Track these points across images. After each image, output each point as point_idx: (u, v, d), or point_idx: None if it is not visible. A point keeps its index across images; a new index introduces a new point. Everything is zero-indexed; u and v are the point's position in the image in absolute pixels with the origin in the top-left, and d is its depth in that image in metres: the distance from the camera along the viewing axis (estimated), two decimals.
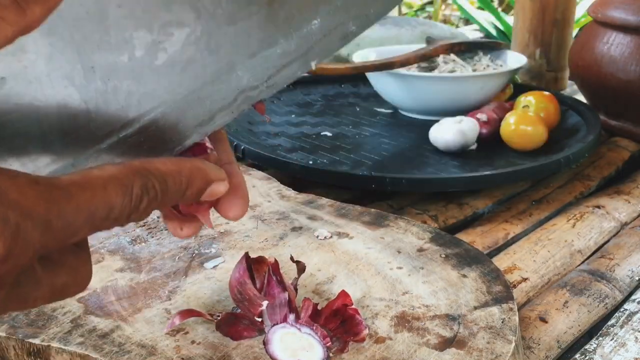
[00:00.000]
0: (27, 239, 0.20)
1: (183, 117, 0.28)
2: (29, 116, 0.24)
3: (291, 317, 0.39)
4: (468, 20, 2.71)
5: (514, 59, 1.01)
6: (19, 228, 0.20)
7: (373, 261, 0.51)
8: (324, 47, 0.30)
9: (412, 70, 0.97)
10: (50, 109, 0.25)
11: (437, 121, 0.84)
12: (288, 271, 0.47)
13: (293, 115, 0.98)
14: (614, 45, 0.90)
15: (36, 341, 0.41)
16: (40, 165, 0.25)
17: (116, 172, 0.23)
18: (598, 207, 0.72)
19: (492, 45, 1.05)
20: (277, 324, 0.39)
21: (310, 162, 0.78)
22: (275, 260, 0.42)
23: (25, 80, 0.24)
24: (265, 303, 0.40)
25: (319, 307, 0.41)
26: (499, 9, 2.59)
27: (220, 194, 0.28)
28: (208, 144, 0.31)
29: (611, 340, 0.48)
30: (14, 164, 0.25)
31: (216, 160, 0.31)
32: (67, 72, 0.24)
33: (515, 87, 1.01)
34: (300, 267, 0.45)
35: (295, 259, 0.45)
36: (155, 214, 0.53)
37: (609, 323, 0.51)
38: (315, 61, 0.30)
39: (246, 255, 0.42)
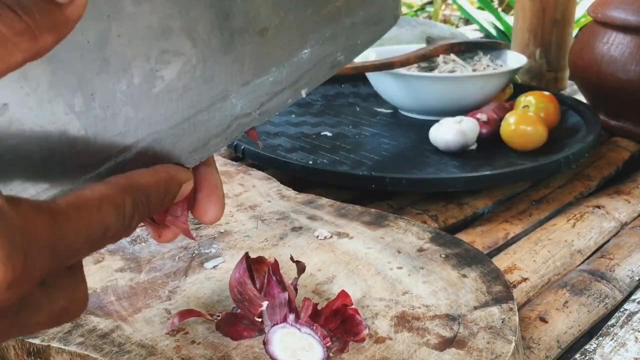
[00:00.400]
0: (35, 265, 0.21)
1: (178, 143, 0.28)
2: (30, 141, 0.25)
3: (291, 317, 0.39)
4: (468, 20, 2.71)
5: (514, 59, 1.01)
6: (27, 254, 0.20)
7: (373, 261, 0.51)
8: (313, 76, 0.31)
9: (412, 70, 0.97)
10: (51, 135, 0.25)
11: (437, 121, 0.84)
12: (288, 271, 0.47)
13: (293, 115, 0.98)
14: (614, 45, 0.90)
15: (36, 341, 0.41)
16: (40, 189, 0.26)
17: (108, 192, 0.24)
18: (598, 207, 0.72)
19: (492, 45, 1.05)
20: (277, 324, 0.39)
21: (310, 162, 0.78)
22: (275, 260, 0.42)
23: (27, 106, 0.24)
24: (265, 303, 0.40)
25: (319, 307, 0.41)
26: (499, 9, 2.59)
27: (187, 194, 0.29)
28: None
29: (611, 340, 0.48)
30: (16, 188, 0.25)
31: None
32: (68, 99, 0.25)
33: (515, 87, 1.01)
34: (300, 267, 0.45)
35: (295, 259, 0.45)
36: None
37: (609, 323, 0.51)
38: (306, 89, 0.31)
39: (246, 255, 0.42)
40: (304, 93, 0.31)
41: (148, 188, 0.26)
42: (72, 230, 0.22)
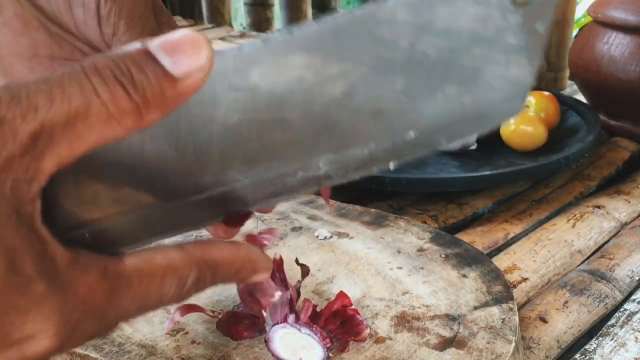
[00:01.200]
0: (84, 333, 0.21)
1: (254, 193, 0.28)
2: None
3: (291, 317, 0.39)
4: None
5: None
6: (79, 324, 0.21)
7: (373, 261, 0.51)
8: (410, 154, 0.30)
9: None
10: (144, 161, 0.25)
11: None
12: (288, 272, 0.47)
13: None
14: (614, 45, 0.90)
15: None
16: (139, 200, 0.26)
17: (177, 262, 0.24)
18: (598, 207, 0.72)
19: None
20: (277, 323, 0.39)
21: None
22: (280, 257, 0.42)
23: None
24: (277, 293, 0.39)
25: (319, 308, 0.41)
26: None
27: (259, 280, 0.29)
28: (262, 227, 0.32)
29: (611, 340, 0.48)
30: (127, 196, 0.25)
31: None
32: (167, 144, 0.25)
33: None
34: (305, 271, 0.45)
35: (300, 262, 0.45)
36: None
37: (609, 323, 0.51)
38: (395, 163, 0.30)
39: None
40: (392, 166, 0.30)
41: (219, 265, 0.25)
42: (128, 298, 0.22)
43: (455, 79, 0.28)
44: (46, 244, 0.20)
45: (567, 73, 1.21)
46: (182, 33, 0.21)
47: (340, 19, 0.25)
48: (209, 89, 0.23)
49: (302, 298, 0.42)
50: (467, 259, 0.51)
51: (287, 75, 0.25)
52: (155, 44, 0.21)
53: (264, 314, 0.40)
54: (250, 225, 0.56)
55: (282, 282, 0.41)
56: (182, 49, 0.21)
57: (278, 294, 0.39)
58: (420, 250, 0.52)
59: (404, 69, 0.27)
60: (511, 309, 0.44)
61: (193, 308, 0.42)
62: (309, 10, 1.75)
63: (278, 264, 0.42)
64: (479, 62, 0.28)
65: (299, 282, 0.44)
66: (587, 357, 0.47)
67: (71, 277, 0.20)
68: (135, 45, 0.21)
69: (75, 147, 0.20)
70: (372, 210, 0.60)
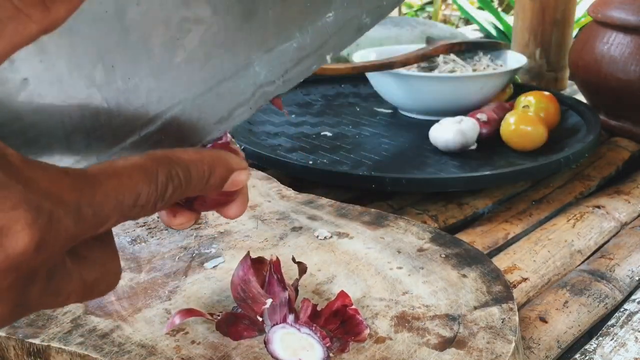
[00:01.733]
0: (60, 227, 0.21)
1: (202, 114, 0.28)
2: (52, 117, 0.24)
3: (290, 317, 0.39)
4: (468, 20, 2.71)
5: (514, 59, 1.01)
6: (52, 216, 0.20)
7: (373, 261, 0.51)
8: (338, 40, 0.30)
9: (412, 70, 0.97)
10: (73, 109, 0.25)
11: (437, 121, 0.84)
12: (288, 271, 0.47)
13: (293, 115, 0.98)
14: (614, 45, 0.90)
15: (36, 341, 0.41)
16: (64, 165, 0.25)
17: (141, 161, 0.24)
18: (598, 207, 0.72)
19: (492, 45, 1.05)
20: (277, 324, 0.39)
21: (310, 162, 0.78)
22: (277, 258, 0.42)
23: (47, 81, 0.24)
24: (269, 301, 0.40)
25: (319, 308, 0.41)
26: (499, 9, 2.59)
27: (243, 183, 0.29)
28: (228, 138, 0.31)
29: (611, 340, 0.48)
30: None
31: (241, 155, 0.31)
32: (88, 72, 0.24)
33: (515, 87, 1.01)
34: (302, 269, 0.45)
35: (297, 261, 0.45)
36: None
37: (609, 323, 0.51)
38: (330, 54, 0.30)
39: (248, 254, 0.42)
40: (328, 58, 0.30)
41: (188, 162, 0.25)
42: (100, 195, 0.22)
43: None
44: None
45: (567, 73, 1.21)
46: None
47: None
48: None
49: (301, 298, 0.42)
50: (467, 259, 0.51)
51: None
52: None
53: (260, 318, 0.40)
54: (250, 225, 0.57)
55: (280, 283, 0.41)
56: None
57: (269, 302, 0.40)
58: (420, 250, 0.52)
59: None
60: (511, 309, 0.44)
61: (192, 312, 0.42)
62: None
63: (275, 264, 0.42)
64: None
65: (297, 280, 0.44)
66: (587, 357, 0.47)
67: (29, 172, 0.20)
68: None
69: None
70: (372, 210, 0.60)
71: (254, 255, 0.43)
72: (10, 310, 0.21)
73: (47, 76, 0.24)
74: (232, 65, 0.28)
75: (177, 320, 0.41)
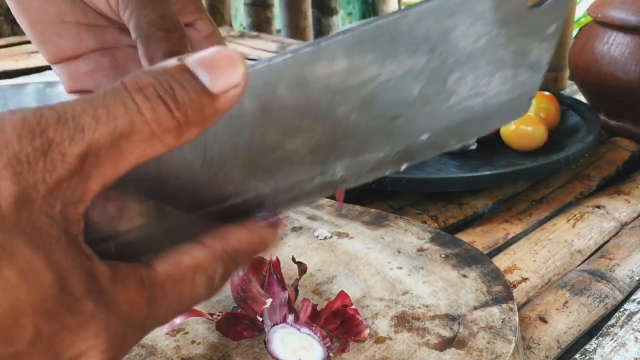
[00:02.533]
0: (129, 345, 0.21)
1: (272, 199, 0.28)
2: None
3: (290, 317, 0.39)
4: None
5: None
6: (125, 339, 0.21)
7: (373, 261, 0.51)
8: (421, 155, 0.30)
9: None
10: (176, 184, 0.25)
11: None
12: (288, 271, 0.47)
13: None
14: (614, 45, 0.90)
15: None
16: (164, 212, 0.26)
17: (203, 260, 0.24)
18: (598, 207, 0.72)
19: None
20: (277, 324, 0.39)
21: None
22: (277, 259, 0.42)
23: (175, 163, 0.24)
24: (269, 301, 0.40)
25: (319, 308, 0.41)
26: None
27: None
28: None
29: (611, 340, 0.48)
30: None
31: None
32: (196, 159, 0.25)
33: None
34: (302, 269, 0.45)
35: (296, 260, 0.45)
36: None
37: (609, 323, 0.51)
38: (406, 165, 0.30)
39: None
40: (403, 167, 0.30)
41: (239, 253, 0.26)
42: (165, 305, 0.22)
43: (468, 82, 0.28)
44: (91, 263, 0.20)
45: (567, 73, 1.21)
46: (218, 49, 0.22)
47: (364, 28, 0.25)
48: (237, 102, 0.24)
49: (301, 298, 0.42)
50: (467, 259, 0.51)
51: (312, 85, 0.25)
52: (192, 60, 0.21)
53: (260, 318, 0.40)
54: None
55: (280, 283, 0.41)
56: (220, 66, 0.21)
57: (269, 301, 0.40)
58: (420, 250, 0.52)
59: (422, 74, 0.27)
60: (511, 309, 0.44)
61: (192, 312, 0.42)
62: (309, 11, 1.75)
63: (275, 264, 0.42)
64: (492, 65, 0.28)
65: (297, 280, 0.44)
66: (587, 357, 0.47)
67: (114, 293, 0.21)
68: (173, 62, 0.21)
69: (119, 167, 0.21)
70: (372, 210, 0.60)
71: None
72: None
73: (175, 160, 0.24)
74: (318, 167, 0.28)
75: (177, 320, 0.41)
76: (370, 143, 0.28)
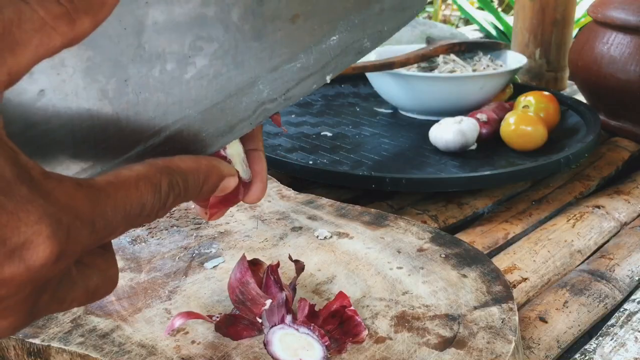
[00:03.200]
0: (77, 239, 0.21)
1: (206, 128, 0.29)
2: (63, 127, 0.25)
3: (288, 317, 0.39)
4: (468, 20, 2.71)
5: (514, 59, 1.01)
6: (70, 229, 0.21)
7: (373, 261, 0.51)
8: (339, 62, 0.31)
9: (412, 70, 0.97)
10: (84, 120, 0.26)
11: (437, 121, 0.84)
12: (287, 271, 0.47)
13: (293, 115, 0.98)
14: (614, 45, 0.90)
15: (36, 341, 0.41)
16: (71, 173, 0.26)
17: (145, 171, 0.25)
18: (598, 207, 0.72)
19: (492, 45, 1.05)
20: (275, 325, 0.39)
21: (310, 162, 0.78)
22: (278, 262, 0.42)
23: (62, 92, 0.25)
24: (268, 302, 0.40)
25: (319, 308, 0.41)
26: (499, 9, 2.59)
27: (231, 189, 0.30)
28: (222, 152, 0.32)
29: (611, 340, 0.48)
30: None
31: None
32: (102, 85, 0.25)
33: (515, 87, 1.01)
34: (299, 267, 0.45)
35: (293, 259, 0.45)
36: None
37: (609, 323, 0.51)
38: (331, 75, 0.31)
39: (244, 256, 0.42)
40: (328, 79, 0.31)
41: (186, 172, 0.26)
42: (111, 207, 0.23)
43: None
44: (18, 154, 0.21)
45: (567, 73, 1.21)
46: None
47: None
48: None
49: (299, 297, 0.42)
50: (467, 259, 0.51)
51: None
52: None
53: (259, 320, 0.41)
54: (250, 225, 0.57)
55: (277, 284, 0.41)
56: None
57: (269, 302, 0.40)
58: (420, 250, 0.52)
59: None
60: (511, 309, 0.44)
61: (191, 315, 0.42)
62: None
63: (272, 267, 0.42)
64: None
65: (295, 278, 0.44)
66: (587, 357, 0.47)
67: (49, 186, 0.21)
68: None
69: (19, 55, 0.21)
70: (372, 210, 0.60)
71: (251, 256, 0.43)
72: (22, 320, 0.22)
73: (63, 88, 0.25)
74: (238, 82, 0.29)
75: (176, 323, 0.41)
76: (281, 51, 0.29)
